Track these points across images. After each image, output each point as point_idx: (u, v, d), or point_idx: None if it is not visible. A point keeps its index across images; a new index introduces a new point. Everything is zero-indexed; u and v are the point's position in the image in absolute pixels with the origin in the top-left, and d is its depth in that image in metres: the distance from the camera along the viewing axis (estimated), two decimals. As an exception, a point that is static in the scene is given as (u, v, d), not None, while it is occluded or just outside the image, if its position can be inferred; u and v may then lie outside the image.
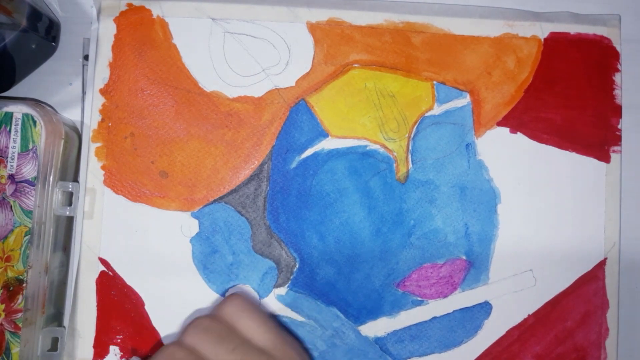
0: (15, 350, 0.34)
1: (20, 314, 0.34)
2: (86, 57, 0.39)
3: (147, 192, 0.38)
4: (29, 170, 0.35)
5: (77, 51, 0.39)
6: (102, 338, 0.37)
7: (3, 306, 0.34)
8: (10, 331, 0.34)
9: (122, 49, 0.38)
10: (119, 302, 0.37)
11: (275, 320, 0.33)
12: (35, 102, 0.37)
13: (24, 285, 0.35)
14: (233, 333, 0.31)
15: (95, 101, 0.38)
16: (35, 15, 0.36)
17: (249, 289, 0.37)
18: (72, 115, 0.39)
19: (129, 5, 0.38)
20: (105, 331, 0.37)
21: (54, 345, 0.37)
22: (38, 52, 0.38)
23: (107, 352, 0.37)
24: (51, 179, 0.36)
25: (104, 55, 0.38)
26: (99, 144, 0.38)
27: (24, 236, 0.35)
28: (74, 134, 0.38)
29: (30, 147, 0.35)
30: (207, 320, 0.32)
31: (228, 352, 0.30)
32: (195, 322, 0.32)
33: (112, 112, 0.38)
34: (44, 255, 0.36)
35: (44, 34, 0.38)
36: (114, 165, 0.38)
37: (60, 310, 0.38)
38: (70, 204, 0.37)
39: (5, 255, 0.35)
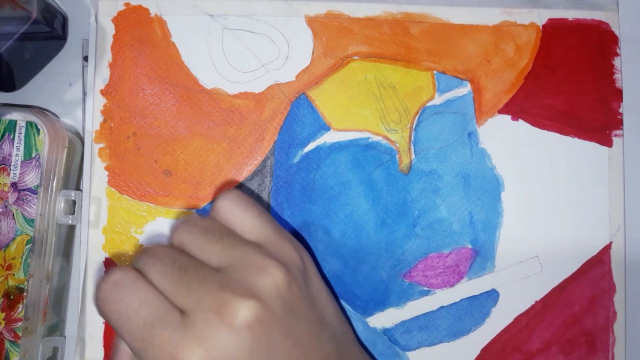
0: (14, 359, 0.34)
1: (20, 323, 0.34)
2: (85, 59, 0.39)
3: (151, 192, 0.38)
4: (31, 179, 0.35)
5: (77, 52, 0.39)
6: (112, 338, 0.37)
7: (3, 315, 0.34)
8: (9, 340, 0.34)
9: (122, 49, 0.38)
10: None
11: (270, 214, 0.31)
12: (39, 110, 0.37)
13: (25, 294, 0.34)
14: (222, 226, 0.29)
15: (97, 102, 0.38)
16: (45, 7, 0.36)
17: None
18: (73, 117, 0.39)
19: (127, 4, 0.38)
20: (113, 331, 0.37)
21: (55, 355, 0.37)
22: (49, 46, 0.38)
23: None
24: (54, 187, 0.36)
25: (103, 55, 0.38)
26: (101, 145, 0.38)
27: (26, 245, 0.35)
28: (77, 141, 0.38)
29: (34, 155, 0.35)
30: (197, 218, 0.30)
31: (213, 242, 0.28)
32: (185, 219, 0.30)
33: (113, 113, 0.38)
34: (45, 264, 0.35)
35: (54, 27, 0.37)
36: (117, 165, 0.38)
37: (63, 318, 0.38)
38: (73, 212, 0.37)
39: (7, 264, 0.35)
